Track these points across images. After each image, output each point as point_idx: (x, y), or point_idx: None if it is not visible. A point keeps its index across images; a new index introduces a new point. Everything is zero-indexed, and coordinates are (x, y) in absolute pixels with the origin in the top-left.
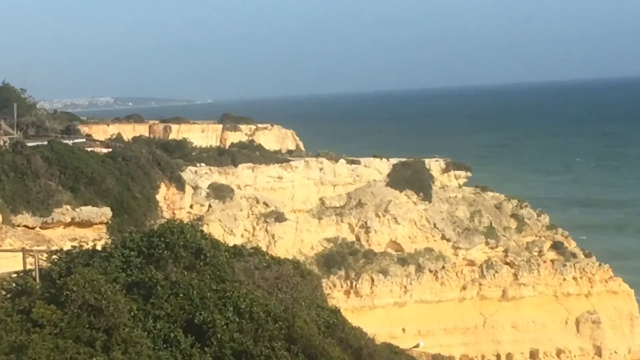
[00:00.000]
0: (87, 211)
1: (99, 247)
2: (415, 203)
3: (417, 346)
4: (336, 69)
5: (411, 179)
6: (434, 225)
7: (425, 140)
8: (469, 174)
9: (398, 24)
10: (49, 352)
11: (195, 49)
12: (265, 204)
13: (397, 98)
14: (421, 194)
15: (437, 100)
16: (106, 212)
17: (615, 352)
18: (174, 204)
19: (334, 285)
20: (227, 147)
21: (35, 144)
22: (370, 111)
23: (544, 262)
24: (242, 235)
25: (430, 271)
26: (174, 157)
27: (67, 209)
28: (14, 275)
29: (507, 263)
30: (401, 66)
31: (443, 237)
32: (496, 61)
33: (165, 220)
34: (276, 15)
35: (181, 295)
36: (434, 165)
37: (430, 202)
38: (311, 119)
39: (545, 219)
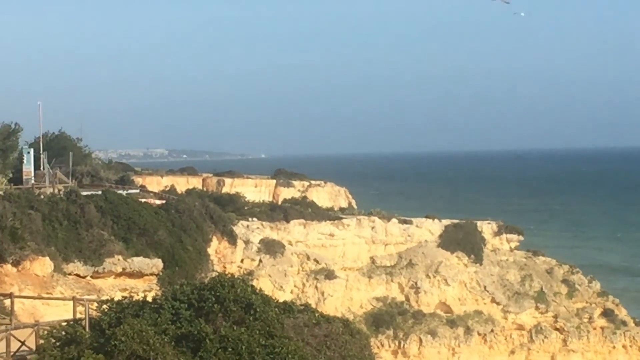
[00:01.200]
0: (138, 262)
1: (149, 299)
2: (466, 265)
3: None
4: (389, 128)
5: (463, 241)
6: (484, 288)
7: (475, 202)
8: (521, 237)
9: (448, 83)
10: None
11: (251, 102)
12: (316, 260)
13: (447, 159)
14: (472, 256)
15: (485, 163)
16: (157, 264)
17: None
18: (225, 257)
19: (382, 345)
20: (279, 202)
21: (89, 193)
22: (421, 171)
23: (594, 329)
24: (291, 292)
25: (479, 334)
26: (226, 210)
27: (118, 259)
28: (64, 323)
29: (556, 329)
30: (451, 127)
31: (493, 300)
32: (542, 125)
33: (216, 273)
34: (330, 72)
35: (230, 349)
36: (486, 227)
37: (481, 264)
38: (364, 177)
39: (596, 285)
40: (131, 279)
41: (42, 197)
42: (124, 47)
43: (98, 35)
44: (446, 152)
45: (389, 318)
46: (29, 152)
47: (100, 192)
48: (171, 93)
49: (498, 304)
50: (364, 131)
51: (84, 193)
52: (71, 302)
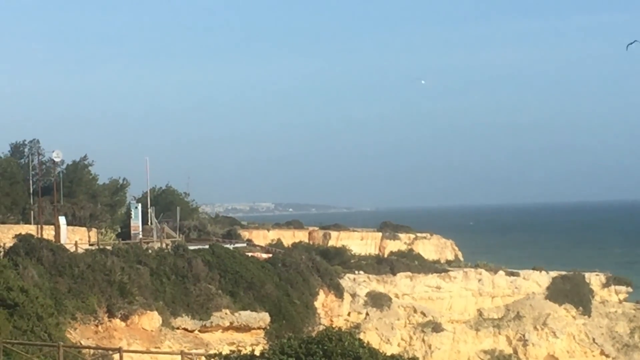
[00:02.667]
0: (245, 316)
1: (257, 352)
2: (574, 317)
3: None
4: (491, 179)
5: (571, 293)
6: (593, 340)
7: (580, 252)
8: (630, 289)
9: (553, 134)
10: None
11: (358, 154)
12: (423, 313)
13: (550, 210)
14: (580, 308)
15: (588, 214)
16: (265, 318)
17: None
18: (332, 311)
19: None
20: (385, 255)
21: (196, 247)
22: (525, 223)
23: None
24: (398, 344)
25: None
26: (333, 264)
27: (226, 313)
28: None
29: None
30: (555, 178)
31: (602, 353)
32: None
33: (323, 327)
34: (429, 123)
35: None
36: (594, 279)
37: (589, 316)
38: (469, 229)
39: None
40: (238, 332)
41: (150, 251)
42: (230, 102)
43: (204, 90)
44: (566, 203)
45: None
46: (136, 207)
47: (207, 246)
48: (277, 147)
49: (607, 356)
50: (472, 182)
51: (192, 247)
52: (179, 357)
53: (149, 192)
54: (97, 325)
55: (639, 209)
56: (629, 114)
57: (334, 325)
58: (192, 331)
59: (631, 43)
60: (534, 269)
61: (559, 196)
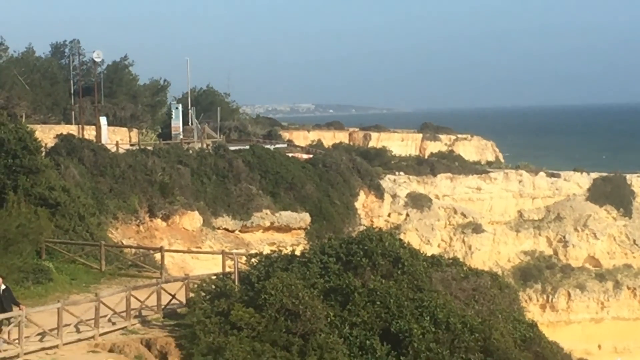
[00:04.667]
0: (286, 216)
1: (297, 253)
2: (615, 218)
3: None
4: (536, 80)
5: (611, 194)
6: (634, 241)
7: (620, 155)
8: None
9: (588, 32)
10: (245, 355)
11: (398, 55)
12: (463, 214)
13: (591, 112)
14: (621, 209)
15: (628, 115)
16: (305, 218)
17: None
18: (372, 211)
19: (530, 299)
20: (426, 156)
21: (237, 148)
22: (566, 125)
23: None
24: (438, 245)
25: (629, 288)
26: (373, 164)
27: (266, 214)
28: (214, 277)
29: None
30: (595, 78)
31: None
32: None
33: (364, 227)
34: (476, 19)
35: (378, 303)
36: (636, 180)
37: (630, 217)
38: (511, 131)
39: None
40: (279, 233)
41: (190, 152)
42: (272, 4)
43: None
44: (607, 105)
45: (537, 272)
46: (177, 108)
47: (248, 147)
48: (318, 48)
49: None
50: (513, 83)
51: (232, 148)
52: (220, 256)
53: (189, 92)
54: (138, 225)
55: None
56: None
57: (374, 226)
58: (232, 231)
59: None
60: (574, 170)
61: (600, 97)
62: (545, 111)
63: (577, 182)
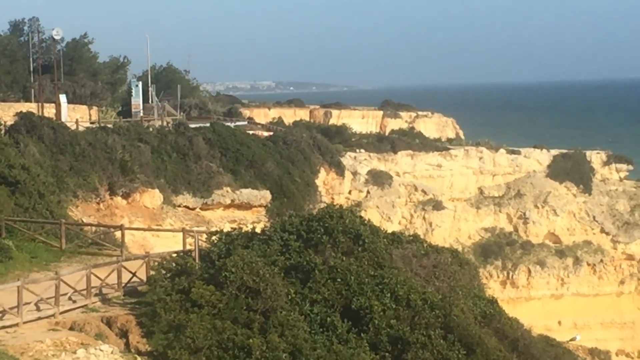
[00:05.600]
0: (247, 194)
1: (258, 230)
2: (574, 195)
3: (573, 339)
4: (496, 57)
5: (571, 171)
6: (594, 218)
7: (583, 132)
8: (631, 167)
9: (559, 11)
10: (206, 332)
11: (359, 33)
12: (424, 191)
13: (554, 89)
14: (581, 186)
15: (594, 93)
16: (266, 195)
17: None
18: (333, 189)
19: (491, 275)
20: (386, 133)
21: (197, 125)
22: (528, 102)
23: None
24: (399, 223)
25: (588, 264)
26: (333, 142)
27: (227, 191)
28: (174, 255)
29: None
30: (561, 55)
31: (602, 231)
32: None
33: (324, 205)
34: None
35: (339, 280)
36: (595, 157)
37: (590, 194)
38: (472, 108)
39: None
40: (240, 210)
41: (150, 129)
42: None
43: None
44: (577, 81)
45: (497, 249)
46: (137, 85)
47: (208, 125)
48: (278, 25)
49: (607, 234)
50: (474, 61)
51: (192, 125)
52: (181, 234)
53: (149, 70)
54: (98, 203)
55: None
56: None
57: (335, 203)
58: (193, 209)
59: None
60: (535, 147)
61: (564, 74)
62: (509, 88)
63: (537, 159)
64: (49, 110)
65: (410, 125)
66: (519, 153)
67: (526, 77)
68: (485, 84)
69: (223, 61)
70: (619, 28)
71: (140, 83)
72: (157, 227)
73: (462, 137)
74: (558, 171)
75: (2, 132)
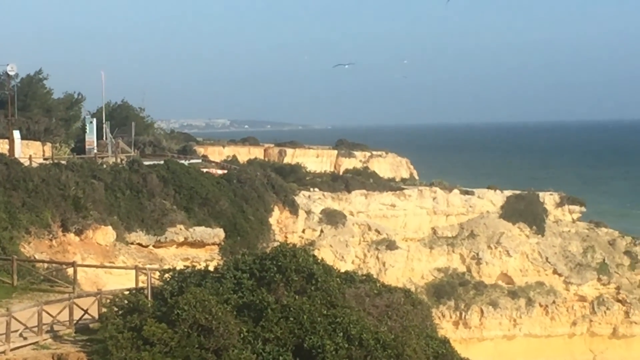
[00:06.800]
0: (200, 231)
1: (211, 268)
2: (527, 236)
3: None
4: (451, 99)
5: (524, 212)
6: (546, 259)
7: (537, 173)
8: (583, 208)
9: (510, 56)
10: None
11: (313, 73)
12: (377, 231)
13: (509, 130)
14: (534, 227)
15: (546, 134)
16: (219, 234)
17: None
18: (287, 227)
19: (443, 316)
20: (341, 173)
21: (151, 162)
22: (482, 142)
23: None
24: (353, 262)
25: (541, 305)
26: (288, 180)
27: (180, 229)
28: (127, 292)
29: (618, 300)
30: (515, 98)
31: (555, 272)
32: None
33: (278, 243)
34: (395, 43)
35: (291, 319)
36: (548, 198)
37: (543, 235)
38: (426, 149)
39: None
40: (193, 248)
41: (104, 166)
42: (187, 20)
43: (162, 7)
44: (529, 122)
45: (450, 289)
46: (91, 122)
47: (162, 162)
48: (233, 64)
49: (560, 275)
50: (429, 102)
51: (146, 163)
52: (133, 271)
53: (104, 107)
54: (51, 240)
55: (596, 129)
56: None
57: (288, 242)
58: (146, 246)
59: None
60: (488, 187)
61: (524, 116)
62: (463, 129)
63: (491, 200)
64: (2, 146)
65: (365, 165)
66: (472, 193)
67: (481, 119)
68: (439, 125)
69: (178, 99)
70: (571, 70)
71: (95, 120)
72: (109, 265)
73: (416, 177)
74: (511, 212)
75: None
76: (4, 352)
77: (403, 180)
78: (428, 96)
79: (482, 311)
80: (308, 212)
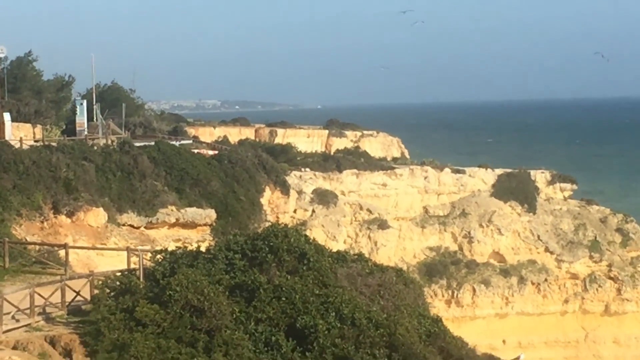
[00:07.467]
0: (191, 212)
1: (202, 249)
2: (519, 214)
3: (517, 358)
4: (441, 78)
5: (516, 190)
6: (538, 237)
7: (528, 151)
8: (575, 186)
9: (501, 34)
10: (150, 352)
11: (304, 53)
12: (369, 210)
13: (498, 109)
14: (526, 205)
15: (538, 112)
16: (211, 214)
17: None
18: (278, 207)
19: (435, 294)
20: (332, 152)
21: (142, 144)
22: (473, 122)
23: None
24: (344, 241)
25: (533, 283)
26: (279, 161)
27: (172, 210)
28: (118, 274)
29: (610, 278)
30: (503, 76)
31: (546, 250)
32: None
33: (269, 223)
34: (386, 24)
35: (283, 299)
36: (540, 177)
37: (534, 213)
38: (417, 128)
39: None
40: (184, 229)
41: (95, 148)
42: (178, 1)
43: None
44: (515, 101)
45: (442, 268)
46: (81, 104)
47: (153, 143)
48: (223, 45)
49: (552, 253)
50: (421, 81)
51: (137, 144)
52: (125, 253)
53: (94, 88)
54: (42, 222)
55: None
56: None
57: (280, 222)
58: (138, 228)
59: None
60: (479, 166)
61: (506, 94)
62: (450, 108)
63: (482, 178)
64: None
65: (356, 145)
66: (463, 172)
67: (470, 97)
68: (427, 103)
69: (168, 80)
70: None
71: (85, 101)
72: (101, 246)
73: (408, 156)
74: (503, 190)
75: None
76: None
77: (394, 159)
78: (414, 76)
79: (474, 290)
80: (299, 192)
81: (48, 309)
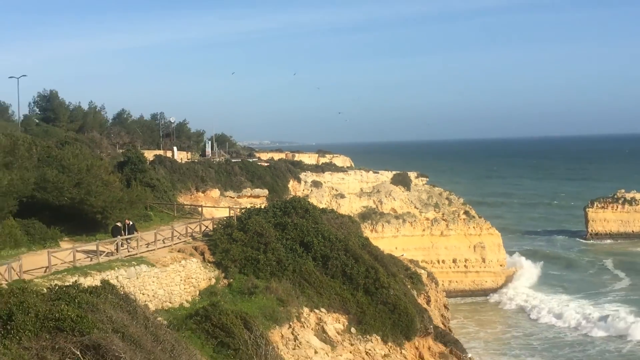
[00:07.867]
0: (257, 191)
1: (262, 207)
2: (402, 191)
3: (402, 256)
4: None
5: (402, 180)
6: (411, 201)
7: (408, 162)
8: (427, 179)
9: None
10: (239, 252)
11: (303, 110)
12: (336, 189)
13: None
14: (405, 187)
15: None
16: (265, 192)
17: (491, 261)
18: (295, 189)
19: (365, 227)
20: (320, 164)
21: (235, 160)
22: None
23: (461, 219)
24: (325, 204)
25: (409, 222)
26: (296, 168)
27: (248, 190)
28: (225, 218)
29: (444, 219)
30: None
31: (415, 207)
32: None
33: (292, 196)
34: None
35: (298, 229)
36: (412, 174)
37: (409, 191)
38: (362, 153)
39: (461, 199)
40: (254, 198)
41: (214, 161)
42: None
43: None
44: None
45: (368, 215)
46: (208, 142)
47: (240, 160)
48: (267, 105)
49: (417, 208)
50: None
51: (233, 160)
52: (227, 209)
53: (213, 136)
54: (190, 196)
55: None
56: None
57: (296, 195)
58: (233, 198)
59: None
60: (385, 169)
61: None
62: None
63: (386, 175)
64: (168, 154)
65: (331, 160)
66: (378, 172)
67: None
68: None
69: (245, 129)
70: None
71: (209, 141)
72: (217, 206)
73: (353, 165)
74: (396, 180)
75: (148, 163)
76: (170, 245)
77: (348, 167)
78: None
79: (382, 225)
80: (305, 182)
81: (194, 234)
